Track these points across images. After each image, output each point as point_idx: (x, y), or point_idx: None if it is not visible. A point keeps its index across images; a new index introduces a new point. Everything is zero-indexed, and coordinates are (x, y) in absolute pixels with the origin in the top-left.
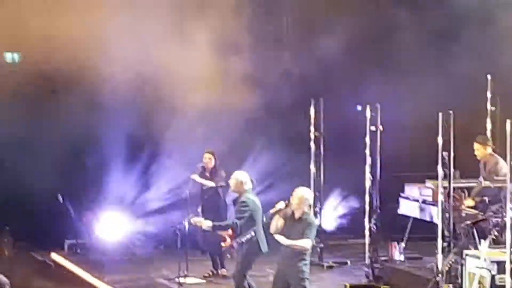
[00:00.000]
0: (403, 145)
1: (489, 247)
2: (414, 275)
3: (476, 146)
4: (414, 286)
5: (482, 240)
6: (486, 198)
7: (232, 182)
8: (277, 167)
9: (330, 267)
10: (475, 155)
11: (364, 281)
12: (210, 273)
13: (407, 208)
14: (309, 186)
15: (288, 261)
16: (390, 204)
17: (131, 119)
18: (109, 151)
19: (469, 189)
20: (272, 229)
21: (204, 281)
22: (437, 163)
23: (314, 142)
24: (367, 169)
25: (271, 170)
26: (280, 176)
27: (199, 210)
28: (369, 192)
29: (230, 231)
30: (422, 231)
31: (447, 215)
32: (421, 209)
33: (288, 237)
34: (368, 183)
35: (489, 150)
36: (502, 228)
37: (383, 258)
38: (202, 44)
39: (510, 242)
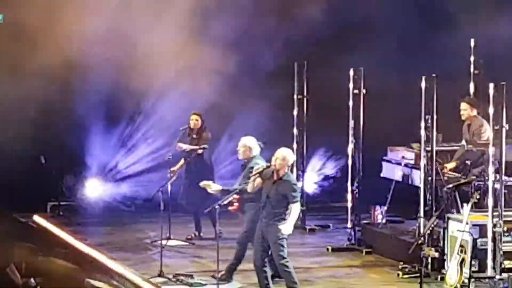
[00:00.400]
0: (386, 109)
1: (471, 210)
2: (396, 239)
3: (463, 105)
4: (396, 249)
5: (464, 204)
6: (469, 162)
7: (240, 149)
8: (260, 131)
9: (312, 230)
10: (459, 117)
11: (346, 244)
12: (193, 235)
13: (390, 171)
14: (292, 150)
15: (268, 220)
16: (373, 167)
17: (110, 81)
18: (88, 113)
19: (452, 152)
20: (250, 188)
21: (186, 243)
22: (420, 127)
23: (298, 106)
24: (350, 132)
25: (254, 134)
26: (263, 139)
27: (175, 169)
28: (352, 156)
29: (237, 196)
30: (404, 195)
31: (429, 178)
32: (404, 173)
33: (268, 196)
34: (350, 147)
35: (475, 112)
36: (484, 191)
37: (365, 222)
38: (184, 8)
39: (492, 206)
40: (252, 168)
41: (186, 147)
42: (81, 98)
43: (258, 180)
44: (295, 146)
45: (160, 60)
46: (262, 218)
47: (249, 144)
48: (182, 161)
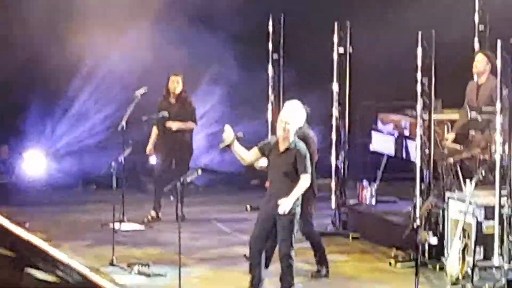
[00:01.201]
0: (377, 70)
1: (476, 189)
2: (387, 222)
3: (480, 57)
4: (387, 234)
5: (467, 181)
6: (473, 132)
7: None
8: (233, 93)
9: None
10: (462, 80)
11: (330, 228)
12: (150, 217)
13: (380, 143)
14: (266, 116)
15: (277, 201)
16: (361, 138)
17: (47, 42)
18: (24, 78)
19: (453, 121)
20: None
21: (142, 227)
22: (416, 92)
23: (273, 67)
24: (334, 97)
25: (226, 98)
26: (235, 103)
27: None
28: (336, 125)
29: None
30: (397, 170)
31: (426, 151)
32: (397, 145)
33: (275, 171)
34: (335, 114)
35: (489, 67)
36: (491, 167)
37: (352, 202)
38: None
39: (499, 183)
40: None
41: (176, 126)
42: (15, 62)
43: (257, 154)
44: (270, 113)
45: (101, 16)
46: (269, 197)
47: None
48: (155, 130)
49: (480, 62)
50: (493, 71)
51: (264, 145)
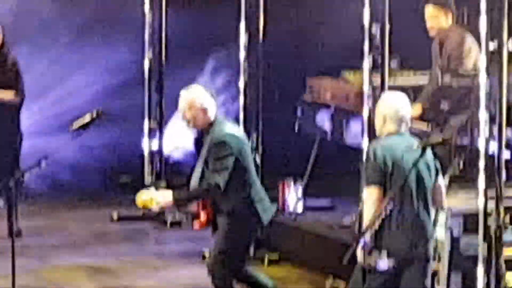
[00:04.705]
0: (303, 16)
1: (450, 188)
2: (320, 237)
3: (430, 11)
4: (321, 255)
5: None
6: (446, 105)
7: (186, 112)
8: None
9: (176, 224)
10: (425, 29)
11: None
12: None
13: (310, 122)
14: None
15: (412, 246)
16: (281, 116)
17: None
18: None
19: (417, 89)
20: None
21: None
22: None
23: None
24: (242, 44)
25: None
26: None
27: None
28: (244, 93)
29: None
30: (335, 162)
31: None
32: (334, 124)
33: (406, 194)
34: (243, 78)
35: (450, 20)
36: (471, 155)
37: None
38: None
39: (484, 180)
40: (220, 143)
41: None
42: None
43: None
44: None
45: None
46: (403, 240)
47: (200, 99)
48: None
49: (432, 18)
50: (456, 21)
51: (382, 166)
